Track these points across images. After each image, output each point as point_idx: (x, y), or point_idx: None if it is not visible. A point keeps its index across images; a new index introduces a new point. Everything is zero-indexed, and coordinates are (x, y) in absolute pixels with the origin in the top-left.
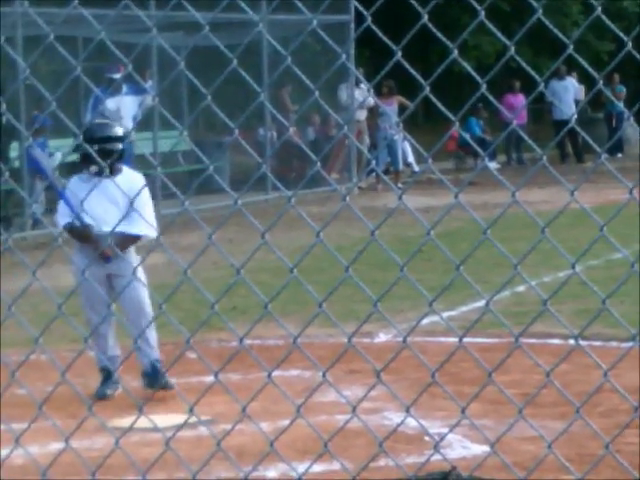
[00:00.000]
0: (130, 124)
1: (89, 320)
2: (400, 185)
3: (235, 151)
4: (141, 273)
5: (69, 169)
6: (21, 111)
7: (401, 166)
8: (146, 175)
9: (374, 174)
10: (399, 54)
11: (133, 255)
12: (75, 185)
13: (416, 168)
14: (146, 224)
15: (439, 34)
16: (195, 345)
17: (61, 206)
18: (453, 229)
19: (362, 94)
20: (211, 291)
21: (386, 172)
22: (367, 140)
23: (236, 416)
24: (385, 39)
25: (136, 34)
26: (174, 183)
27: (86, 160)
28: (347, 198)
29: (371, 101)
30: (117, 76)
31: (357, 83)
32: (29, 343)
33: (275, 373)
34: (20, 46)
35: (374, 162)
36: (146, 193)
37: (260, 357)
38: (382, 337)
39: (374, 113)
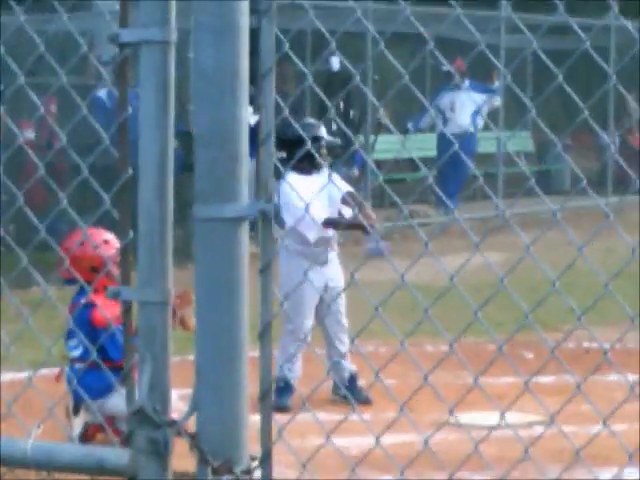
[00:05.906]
0: (467, 120)
1: (296, 330)
2: None
3: (577, 154)
4: (342, 281)
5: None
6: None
7: None
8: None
9: None
10: None
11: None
12: (294, 181)
13: None
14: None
15: None
16: (530, 345)
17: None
18: None
19: None
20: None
21: None
22: None
23: (571, 418)
24: None
25: (484, 34)
26: (516, 183)
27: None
28: None
29: None
30: (449, 69)
31: None
32: None
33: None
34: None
35: None
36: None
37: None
38: None
39: None
